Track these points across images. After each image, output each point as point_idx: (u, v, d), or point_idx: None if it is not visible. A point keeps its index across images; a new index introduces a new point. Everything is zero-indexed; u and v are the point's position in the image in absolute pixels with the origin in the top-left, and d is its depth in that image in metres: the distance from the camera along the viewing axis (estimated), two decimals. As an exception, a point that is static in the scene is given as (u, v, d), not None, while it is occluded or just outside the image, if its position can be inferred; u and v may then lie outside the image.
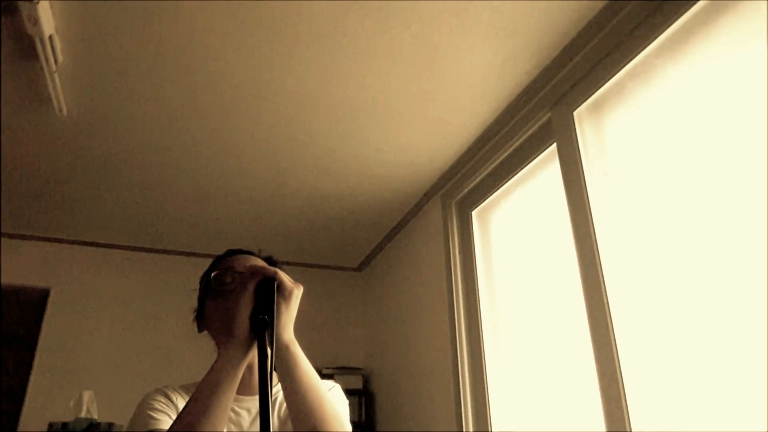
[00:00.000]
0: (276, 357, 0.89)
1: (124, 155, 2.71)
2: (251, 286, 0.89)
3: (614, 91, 1.89)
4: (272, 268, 0.91)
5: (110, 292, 3.63)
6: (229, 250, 1.16)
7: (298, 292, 0.93)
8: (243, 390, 1.05)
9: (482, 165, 2.58)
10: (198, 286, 1.16)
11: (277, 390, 1.09)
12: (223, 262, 1.12)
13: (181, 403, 1.02)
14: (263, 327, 0.85)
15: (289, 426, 1.01)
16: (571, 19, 1.91)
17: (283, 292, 0.90)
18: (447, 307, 2.78)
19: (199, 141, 2.60)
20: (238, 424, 1.03)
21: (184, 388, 1.08)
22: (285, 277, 0.92)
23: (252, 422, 1.04)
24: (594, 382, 1.74)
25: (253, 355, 0.90)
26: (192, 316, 1.15)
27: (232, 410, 1.03)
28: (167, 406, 1.01)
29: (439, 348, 2.84)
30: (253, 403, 1.05)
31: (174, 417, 0.96)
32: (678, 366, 1.53)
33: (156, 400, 1.01)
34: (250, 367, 1.06)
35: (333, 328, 4.07)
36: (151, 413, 0.98)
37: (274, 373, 0.98)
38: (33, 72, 2.08)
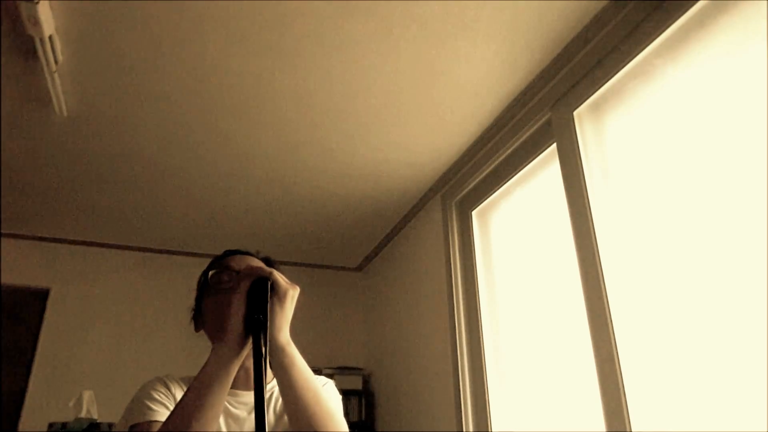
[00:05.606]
0: (272, 358, 0.89)
1: (124, 155, 2.71)
2: (245, 286, 0.89)
3: (614, 91, 1.89)
4: (268, 269, 0.91)
5: (110, 292, 3.64)
6: (227, 250, 1.17)
7: (293, 293, 0.92)
8: (241, 385, 1.05)
9: (482, 165, 2.58)
10: (196, 286, 1.17)
11: (272, 386, 1.10)
12: (220, 261, 1.13)
13: (179, 395, 1.02)
14: (258, 326, 0.84)
15: (285, 421, 1.01)
16: (571, 19, 1.91)
17: (278, 293, 0.90)
18: (447, 307, 2.78)
19: (199, 141, 2.61)
20: (237, 420, 1.03)
21: (185, 380, 1.08)
22: (280, 278, 0.92)
23: (249, 416, 1.04)
24: (594, 382, 1.74)
25: (247, 353, 0.90)
26: (190, 316, 1.16)
27: (231, 405, 1.04)
28: (166, 396, 1.01)
29: (439, 348, 2.84)
30: (251, 398, 1.05)
31: (172, 408, 0.96)
32: (678, 366, 1.53)
33: (155, 389, 1.01)
34: (246, 365, 1.05)
35: (333, 328, 4.08)
36: (149, 403, 0.97)
37: (269, 369, 0.99)
38: (33, 72, 2.08)
